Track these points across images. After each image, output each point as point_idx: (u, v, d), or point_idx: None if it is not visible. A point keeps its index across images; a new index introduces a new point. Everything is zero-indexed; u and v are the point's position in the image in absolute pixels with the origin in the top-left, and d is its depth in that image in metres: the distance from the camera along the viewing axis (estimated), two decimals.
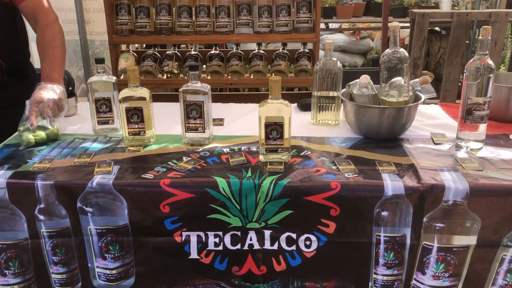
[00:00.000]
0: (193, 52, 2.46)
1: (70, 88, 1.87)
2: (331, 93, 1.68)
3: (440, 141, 1.52)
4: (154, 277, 1.36)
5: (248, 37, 2.37)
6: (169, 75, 2.41)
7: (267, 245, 1.31)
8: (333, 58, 1.65)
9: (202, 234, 1.31)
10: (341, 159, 1.40)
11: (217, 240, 1.31)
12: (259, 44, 2.48)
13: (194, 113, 1.49)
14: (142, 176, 1.31)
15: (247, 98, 2.68)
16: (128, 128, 1.50)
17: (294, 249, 1.31)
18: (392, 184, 1.25)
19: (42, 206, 1.30)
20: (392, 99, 1.52)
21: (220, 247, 1.32)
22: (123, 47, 2.49)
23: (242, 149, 1.48)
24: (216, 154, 1.45)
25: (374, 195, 1.24)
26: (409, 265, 1.30)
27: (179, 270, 1.34)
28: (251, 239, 1.31)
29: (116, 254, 1.34)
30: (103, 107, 1.58)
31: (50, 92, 1.58)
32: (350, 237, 1.28)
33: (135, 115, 1.49)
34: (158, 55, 2.45)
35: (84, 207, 1.29)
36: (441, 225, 1.24)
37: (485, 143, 1.48)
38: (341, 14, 4.37)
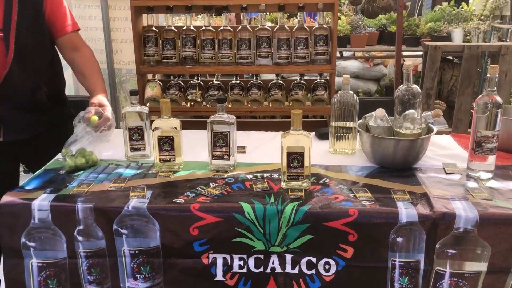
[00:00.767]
0: (215, 82, 2.59)
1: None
2: (348, 124, 1.78)
3: (452, 171, 1.61)
4: None
5: (268, 68, 2.50)
6: (192, 103, 2.54)
7: (289, 269, 1.40)
8: (350, 92, 1.76)
9: (227, 256, 1.40)
10: (358, 187, 1.50)
11: (241, 262, 1.40)
12: (277, 74, 2.60)
13: (220, 142, 1.61)
14: (174, 200, 1.41)
15: (265, 125, 2.80)
16: (160, 155, 1.62)
17: (314, 272, 1.39)
18: (406, 211, 1.34)
19: (81, 227, 1.41)
20: (406, 131, 1.61)
21: (244, 270, 1.40)
22: (150, 76, 2.63)
23: (265, 176, 1.59)
24: (241, 181, 1.56)
25: (389, 221, 1.33)
26: None
27: None
28: (273, 263, 1.40)
29: (147, 275, 1.43)
30: (135, 135, 1.71)
31: (109, 109, 1.77)
32: (367, 262, 1.37)
33: (167, 144, 1.60)
34: (182, 84, 2.58)
35: (119, 229, 1.40)
36: (453, 251, 1.32)
37: (494, 173, 1.56)
38: (355, 43, 4.51)
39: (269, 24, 3.83)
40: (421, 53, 4.11)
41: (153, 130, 1.60)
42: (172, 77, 2.62)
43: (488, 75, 1.48)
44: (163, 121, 1.59)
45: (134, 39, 2.47)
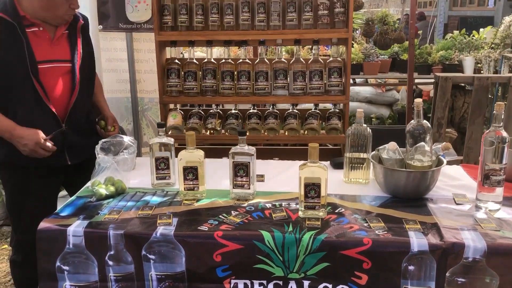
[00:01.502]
0: (233, 111, 2.71)
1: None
2: (361, 155, 1.87)
3: (461, 201, 1.69)
4: None
5: (284, 98, 2.62)
6: (212, 132, 2.66)
7: None
8: (363, 124, 1.86)
9: (248, 282, 1.49)
10: (372, 217, 1.58)
11: None
12: (293, 104, 2.72)
13: (241, 172, 1.71)
14: (198, 228, 1.51)
15: (282, 152, 2.89)
16: (185, 184, 1.73)
17: None
18: (417, 241, 1.42)
19: (112, 252, 1.51)
20: (417, 163, 1.70)
21: None
22: (172, 105, 2.77)
23: (283, 205, 1.68)
24: (260, 209, 1.65)
25: (401, 250, 1.41)
26: None
27: None
28: None
29: None
30: (161, 165, 1.82)
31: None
32: None
33: (191, 173, 1.72)
34: (203, 113, 2.71)
35: (148, 254, 1.50)
36: (463, 280, 1.39)
37: (503, 204, 1.63)
38: (367, 71, 4.63)
39: (285, 54, 3.97)
40: (432, 80, 4.21)
41: (179, 160, 1.71)
42: (192, 105, 2.75)
43: (494, 111, 1.57)
44: (188, 152, 1.71)
45: (158, 71, 2.61)
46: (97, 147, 1.84)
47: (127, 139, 1.92)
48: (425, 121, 1.66)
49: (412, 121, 1.68)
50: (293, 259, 1.45)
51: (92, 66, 2.16)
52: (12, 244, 2.12)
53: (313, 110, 2.70)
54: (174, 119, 2.63)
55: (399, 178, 1.69)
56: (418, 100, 1.62)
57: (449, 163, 2.02)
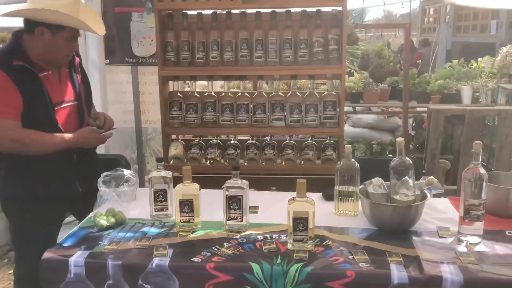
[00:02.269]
0: (232, 142, 2.82)
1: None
2: (350, 188, 1.96)
3: (444, 234, 1.76)
4: None
5: (281, 130, 2.73)
6: (212, 161, 2.77)
7: None
8: (352, 160, 1.95)
9: None
10: (357, 249, 1.66)
11: None
12: (290, 135, 2.82)
13: (234, 205, 1.81)
14: (192, 259, 1.61)
15: (278, 181, 2.98)
16: (181, 216, 1.83)
17: None
18: (398, 274, 1.50)
19: (110, 282, 1.61)
20: (402, 197, 1.79)
21: None
22: (173, 135, 2.89)
23: (273, 237, 1.77)
24: (252, 241, 1.74)
25: (382, 282, 1.49)
26: None
27: None
28: None
29: None
30: (160, 197, 1.93)
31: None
32: None
33: (187, 206, 1.82)
34: (203, 143, 2.82)
35: (144, 284, 1.59)
36: None
37: (483, 237, 1.71)
38: (367, 99, 4.73)
39: (283, 85, 4.11)
40: None
41: (175, 194, 1.81)
42: (193, 136, 2.86)
43: (473, 150, 1.66)
44: (184, 186, 1.81)
45: (161, 104, 2.74)
46: (99, 180, 1.96)
47: (127, 172, 2.03)
48: (407, 158, 1.76)
49: (395, 158, 1.77)
50: None
51: (91, 94, 2.35)
52: (16, 274, 2.19)
53: (309, 141, 2.80)
54: (175, 149, 2.75)
55: (384, 212, 1.77)
56: (400, 139, 1.72)
57: (436, 195, 2.09)
